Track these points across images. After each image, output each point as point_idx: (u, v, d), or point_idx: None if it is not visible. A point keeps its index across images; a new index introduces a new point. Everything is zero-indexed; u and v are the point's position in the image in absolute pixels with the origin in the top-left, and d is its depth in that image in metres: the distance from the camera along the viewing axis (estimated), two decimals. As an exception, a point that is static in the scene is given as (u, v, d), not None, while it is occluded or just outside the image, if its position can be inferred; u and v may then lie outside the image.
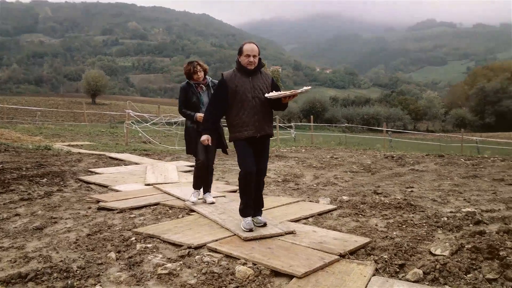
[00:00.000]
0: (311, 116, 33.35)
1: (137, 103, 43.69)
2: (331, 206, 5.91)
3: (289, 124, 27.94)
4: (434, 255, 4.01)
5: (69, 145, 14.00)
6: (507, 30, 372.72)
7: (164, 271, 3.72)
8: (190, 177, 8.49)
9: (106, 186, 7.51)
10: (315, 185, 7.61)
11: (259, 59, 4.63)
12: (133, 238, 4.56)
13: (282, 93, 4.52)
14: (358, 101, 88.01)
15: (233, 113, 4.61)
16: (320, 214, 5.61)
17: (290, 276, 3.65)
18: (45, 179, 7.59)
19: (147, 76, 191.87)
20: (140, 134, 17.58)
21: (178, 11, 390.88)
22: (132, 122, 17.34)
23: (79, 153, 11.24)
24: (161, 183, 7.70)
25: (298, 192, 7.08)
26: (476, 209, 5.47)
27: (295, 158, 11.90)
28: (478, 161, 10.88)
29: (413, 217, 5.30)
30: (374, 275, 3.69)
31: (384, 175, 8.46)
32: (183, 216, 5.59)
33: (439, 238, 4.44)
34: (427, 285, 3.51)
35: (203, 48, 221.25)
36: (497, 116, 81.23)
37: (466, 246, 4.09)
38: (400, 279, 3.65)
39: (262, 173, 4.81)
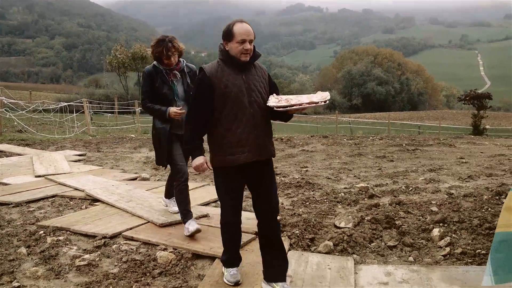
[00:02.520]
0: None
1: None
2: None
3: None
4: (339, 227, 4.39)
5: None
6: (368, 15, 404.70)
7: (82, 263, 3.63)
8: (82, 167, 8.14)
9: (-9, 180, 6.91)
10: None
11: (254, 46, 3.15)
12: (41, 232, 4.32)
13: (295, 102, 3.02)
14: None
15: (221, 127, 3.09)
16: (228, 196, 5.75)
17: (212, 258, 3.78)
18: None
19: (8, 59, 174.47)
20: (15, 123, 16.21)
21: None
22: (5, 110, 15.93)
23: None
24: (53, 174, 7.27)
25: (200, 176, 7.15)
26: (367, 184, 6.04)
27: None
28: (359, 140, 11.88)
29: (313, 194, 5.70)
30: (289, 249, 3.96)
31: (279, 156, 8.88)
32: (86, 207, 5.39)
33: (341, 212, 4.84)
34: (338, 255, 3.86)
35: (69, 29, 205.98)
36: (363, 98, 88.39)
37: (366, 218, 4.54)
38: (313, 251, 3.96)
39: (273, 211, 3.26)
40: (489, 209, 4.66)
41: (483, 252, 3.69)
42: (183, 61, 4.40)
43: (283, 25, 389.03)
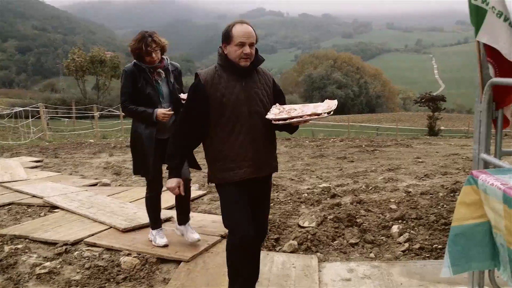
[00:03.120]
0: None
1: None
2: (201, 192, 6.10)
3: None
4: (303, 227, 4.46)
5: None
6: (328, 20, 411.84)
7: (43, 271, 3.54)
8: (40, 174, 7.93)
9: None
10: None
11: (256, 50, 2.84)
12: (-2, 241, 4.19)
13: (297, 114, 2.70)
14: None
15: (218, 140, 2.77)
16: (192, 200, 5.73)
17: (177, 261, 3.76)
18: None
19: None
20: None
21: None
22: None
23: None
24: (9, 181, 7.04)
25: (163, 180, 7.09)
26: (329, 184, 6.16)
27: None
28: (321, 142, 12.10)
29: (278, 195, 5.76)
30: (254, 251, 3.99)
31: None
32: (45, 214, 5.25)
33: (304, 212, 4.92)
34: (302, 254, 3.93)
35: (24, 31, 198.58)
36: (323, 101, 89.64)
37: (329, 217, 4.63)
38: (278, 251, 4.02)
39: (262, 233, 3.05)
40: (445, 206, 4.85)
41: (439, 246, 3.84)
42: (167, 58, 3.97)
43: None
